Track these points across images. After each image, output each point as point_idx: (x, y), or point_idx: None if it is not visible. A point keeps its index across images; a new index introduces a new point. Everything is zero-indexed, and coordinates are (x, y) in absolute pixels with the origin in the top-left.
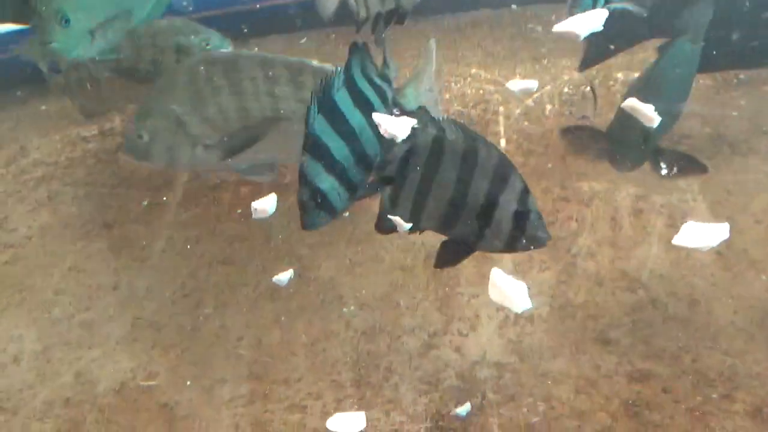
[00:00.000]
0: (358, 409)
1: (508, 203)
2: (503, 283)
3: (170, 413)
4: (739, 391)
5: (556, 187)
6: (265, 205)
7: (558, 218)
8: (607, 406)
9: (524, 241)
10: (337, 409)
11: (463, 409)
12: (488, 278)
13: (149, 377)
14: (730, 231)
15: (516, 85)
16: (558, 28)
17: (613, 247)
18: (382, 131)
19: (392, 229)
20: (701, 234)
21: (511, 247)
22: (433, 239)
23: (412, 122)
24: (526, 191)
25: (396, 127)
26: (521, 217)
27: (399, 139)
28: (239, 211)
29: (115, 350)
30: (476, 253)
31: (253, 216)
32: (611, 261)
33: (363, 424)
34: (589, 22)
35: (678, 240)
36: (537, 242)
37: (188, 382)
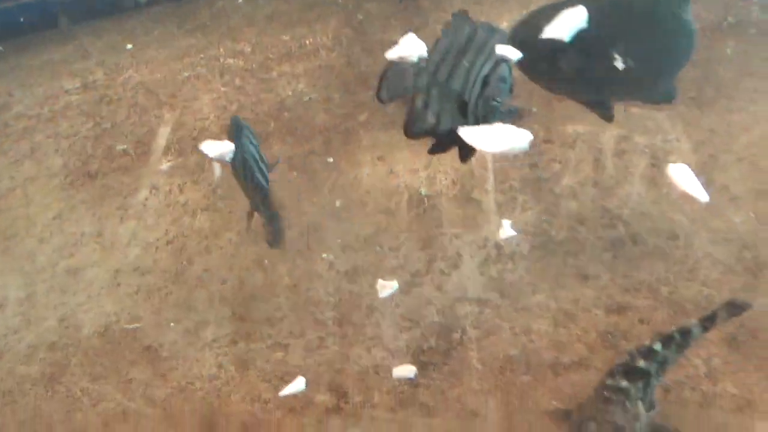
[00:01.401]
0: (341, 347)
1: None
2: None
3: (154, 354)
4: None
5: (541, 130)
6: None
7: (542, 160)
8: (584, 338)
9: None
10: (319, 347)
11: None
12: (471, 219)
13: (133, 320)
14: (711, 168)
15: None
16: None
17: (595, 186)
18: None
19: (425, 132)
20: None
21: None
22: (416, 182)
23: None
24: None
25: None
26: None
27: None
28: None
29: (99, 295)
30: (457, 194)
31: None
32: (593, 200)
33: (302, 386)
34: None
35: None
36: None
37: (171, 324)
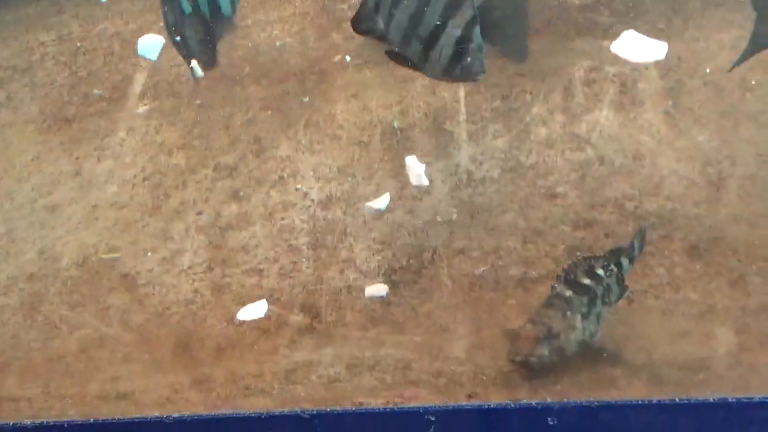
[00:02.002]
0: (314, 270)
1: (453, 29)
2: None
3: (131, 282)
4: (677, 232)
5: (512, 64)
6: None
7: (513, 92)
8: (552, 253)
9: (459, 70)
10: (293, 271)
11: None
12: (443, 149)
13: (111, 251)
14: (678, 92)
15: None
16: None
17: (564, 113)
18: None
19: (370, 30)
20: (640, 47)
21: (447, 73)
22: (390, 117)
23: None
24: (473, 21)
25: None
26: (461, 43)
27: None
28: (198, 102)
29: (78, 229)
30: (429, 126)
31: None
32: (562, 126)
33: (264, 309)
34: None
35: (616, 47)
36: (471, 74)
37: (149, 254)
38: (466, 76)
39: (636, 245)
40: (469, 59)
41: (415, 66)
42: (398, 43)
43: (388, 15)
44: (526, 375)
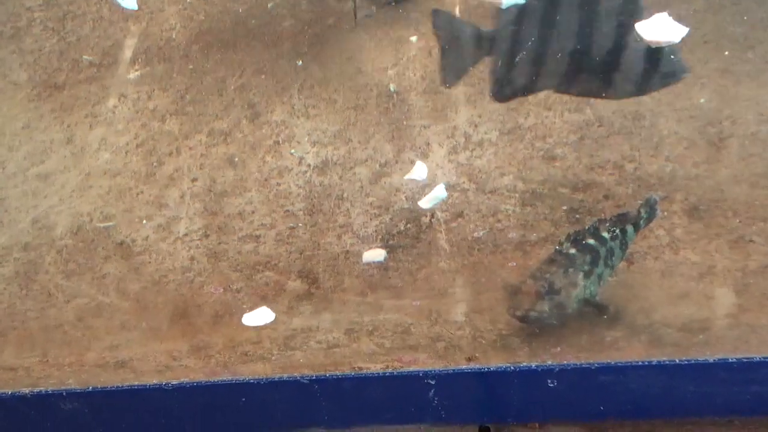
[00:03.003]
0: (311, 236)
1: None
2: None
3: (127, 250)
4: (678, 193)
5: None
6: None
7: None
8: (550, 215)
9: (660, 78)
10: (290, 236)
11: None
12: (440, 111)
13: (105, 219)
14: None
15: None
16: None
17: None
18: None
19: (512, 95)
20: (663, 29)
21: (645, 88)
22: (385, 79)
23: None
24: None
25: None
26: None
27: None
28: (190, 67)
29: (71, 197)
30: (426, 89)
31: None
32: None
33: (272, 318)
34: None
35: (641, 28)
36: (675, 77)
37: (144, 222)
38: (670, 80)
39: (643, 214)
40: (666, 64)
41: (587, 95)
42: (559, 85)
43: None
44: (525, 331)
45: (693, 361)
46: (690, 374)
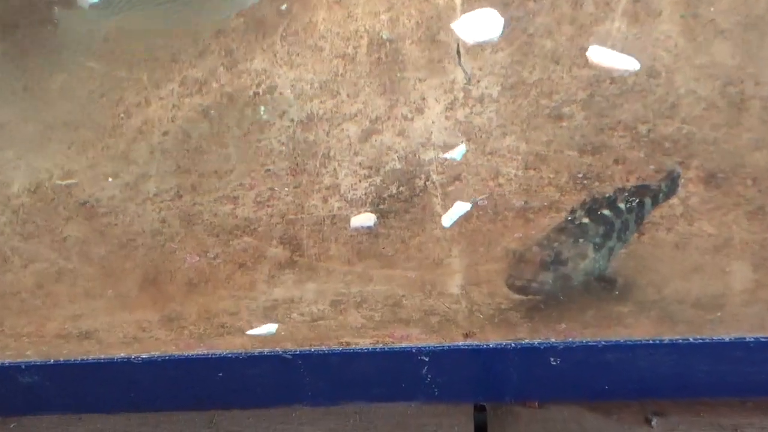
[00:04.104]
0: (295, 198)
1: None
2: None
3: (90, 211)
4: (694, 159)
5: None
6: None
7: None
8: (556, 180)
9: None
10: (271, 198)
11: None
12: (437, 63)
13: (67, 176)
14: (698, 2)
15: None
16: None
17: (572, 24)
18: None
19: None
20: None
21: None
22: (378, 26)
23: None
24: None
25: None
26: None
27: None
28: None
29: (30, 151)
30: (422, 37)
31: None
32: (570, 38)
33: (273, 330)
34: None
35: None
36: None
37: (109, 179)
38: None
39: (663, 188)
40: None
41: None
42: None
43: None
44: (526, 306)
45: (706, 340)
46: (703, 353)
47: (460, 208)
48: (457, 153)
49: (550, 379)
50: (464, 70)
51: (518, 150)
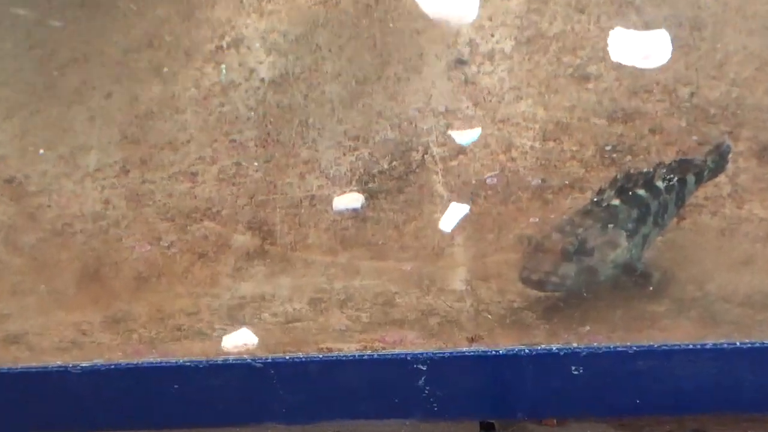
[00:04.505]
0: (266, 175)
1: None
2: None
3: (18, 189)
4: (744, 128)
5: None
6: None
7: None
8: (580, 154)
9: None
10: (237, 175)
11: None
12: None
13: None
14: None
15: None
16: None
17: None
18: None
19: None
20: None
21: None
22: None
23: None
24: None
25: None
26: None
27: None
28: None
29: None
30: None
31: None
32: None
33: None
34: None
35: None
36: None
37: (41, 152)
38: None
39: (709, 164)
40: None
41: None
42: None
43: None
44: (544, 304)
45: (756, 344)
46: (752, 360)
47: (458, 211)
48: (469, 137)
49: (571, 391)
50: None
51: (535, 117)
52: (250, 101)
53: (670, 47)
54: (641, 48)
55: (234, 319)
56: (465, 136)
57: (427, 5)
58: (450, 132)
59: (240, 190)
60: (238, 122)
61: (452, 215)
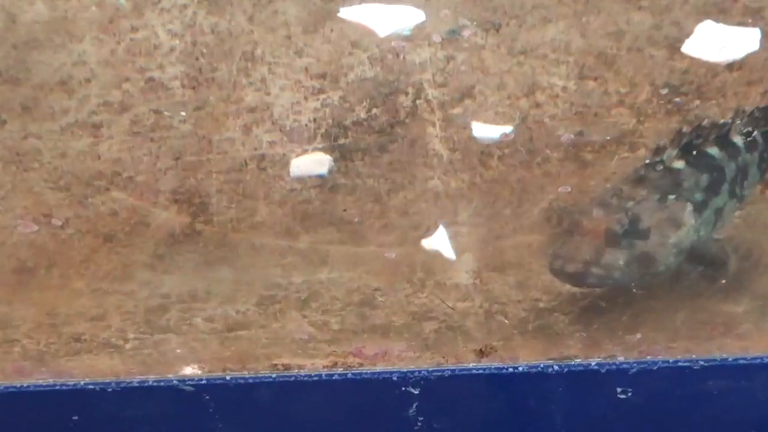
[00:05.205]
0: (195, 127)
1: None
2: None
3: None
4: None
5: None
6: None
7: None
8: (629, 98)
9: None
10: (156, 129)
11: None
12: None
13: None
14: None
15: None
16: None
17: None
18: None
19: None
20: None
21: None
22: None
23: None
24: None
25: None
26: None
27: None
28: None
29: None
30: None
31: None
32: None
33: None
34: None
35: None
36: None
37: None
38: None
39: None
40: None
41: None
42: None
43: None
44: (580, 304)
45: None
46: None
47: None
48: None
49: (616, 420)
50: None
51: (568, 46)
52: (175, 24)
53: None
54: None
55: (154, 325)
56: (490, 131)
57: None
58: (472, 122)
59: (161, 148)
60: (156, 53)
61: (437, 239)
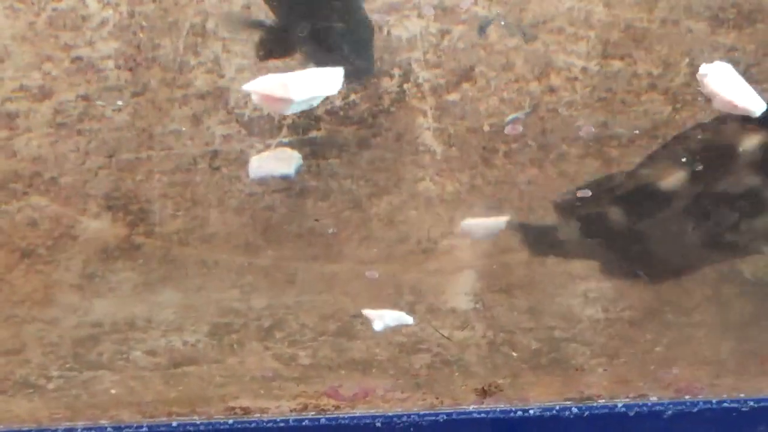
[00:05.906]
0: (134, 117)
1: None
2: None
3: None
4: None
5: None
6: None
7: None
8: (663, 80)
9: None
10: (86, 119)
11: None
12: None
13: None
14: None
15: None
16: None
17: None
18: None
19: None
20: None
21: None
22: None
23: None
24: None
25: None
26: None
27: None
28: None
29: None
30: None
31: None
32: None
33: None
34: None
35: None
36: None
37: None
38: None
39: None
40: None
41: None
42: None
43: None
44: (606, 332)
45: None
46: None
47: (396, 319)
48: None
49: None
50: None
51: (589, 19)
52: None
53: None
54: None
55: (82, 360)
56: (482, 226)
57: None
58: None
59: (91, 143)
60: (84, 27)
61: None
